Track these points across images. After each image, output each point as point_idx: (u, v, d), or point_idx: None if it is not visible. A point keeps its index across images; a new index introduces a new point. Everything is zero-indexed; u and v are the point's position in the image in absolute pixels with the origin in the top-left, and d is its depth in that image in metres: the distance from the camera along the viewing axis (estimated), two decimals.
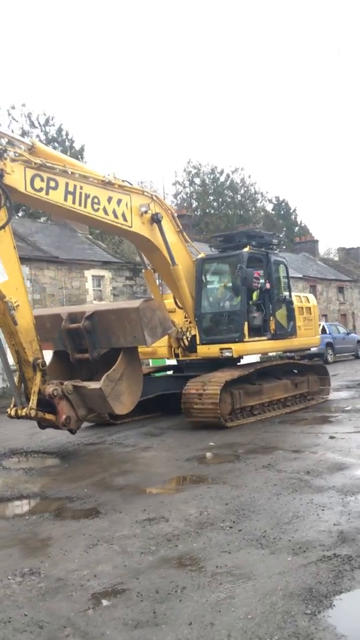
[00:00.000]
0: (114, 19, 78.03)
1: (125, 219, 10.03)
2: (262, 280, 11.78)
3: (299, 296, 14.13)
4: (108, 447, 9.67)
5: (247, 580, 4.05)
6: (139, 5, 78.12)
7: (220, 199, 52.84)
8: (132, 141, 74.79)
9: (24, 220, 28.47)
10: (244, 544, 4.75)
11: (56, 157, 9.39)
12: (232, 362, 11.57)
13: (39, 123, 42.51)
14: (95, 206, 9.46)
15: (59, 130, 43.13)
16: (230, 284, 12.42)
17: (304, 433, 9.78)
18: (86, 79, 74.10)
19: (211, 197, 52.88)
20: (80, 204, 9.19)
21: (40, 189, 8.62)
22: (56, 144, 42.65)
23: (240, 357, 11.65)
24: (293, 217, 59.56)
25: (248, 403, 11.20)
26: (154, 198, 10.79)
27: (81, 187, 9.21)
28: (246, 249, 11.75)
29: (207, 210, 51.62)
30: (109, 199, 9.70)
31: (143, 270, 12.85)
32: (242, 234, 12.80)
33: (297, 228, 58.58)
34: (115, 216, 9.83)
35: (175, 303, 11.98)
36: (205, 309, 11.91)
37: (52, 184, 8.77)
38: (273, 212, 57.94)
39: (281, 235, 56.38)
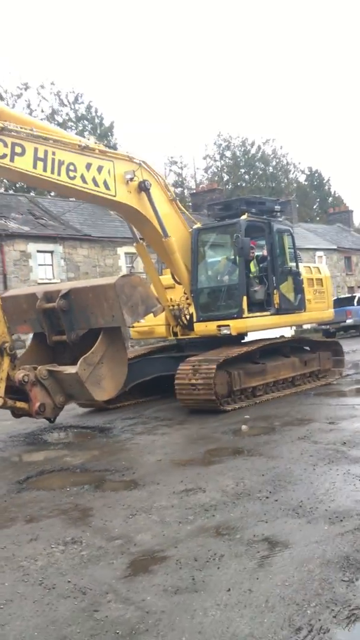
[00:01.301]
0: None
1: (107, 188, 9.22)
2: (258, 252, 11.05)
3: (309, 267, 13.22)
4: (145, 421, 9.80)
5: (284, 549, 4.10)
6: None
7: (251, 172, 52.19)
8: (162, 116, 74.13)
9: (56, 199, 28.69)
10: (281, 513, 4.80)
11: (24, 120, 8.56)
12: (234, 339, 10.80)
13: (68, 101, 42.51)
14: (71, 174, 8.65)
15: (88, 107, 43.12)
16: (228, 256, 11.47)
17: (339, 405, 9.72)
18: (114, 55, 73.50)
19: (242, 170, 52.27)
20: (52, 172, 8.40)
21: (4, 156, 7.84)
22: (86, 121, 42.66)
23: (242, 334, 10.88)
24: (326, 187, 58.49)
25: (249, 384, 10.38)
26: (142, 164, 9.91)
27: (53, 153, 8.41)
28: (244, 217, 10.81)
29: (239, 184, 51.05)
30: (88, 166, 8.87)
31: (134, 244, 11.92)
32: (241, 201, 11.78)
33: (330, 199, 57.55)
34: (96, 184, 9.04)
35: (174, 278, 11.29)
36: (202, 284, 11.11)
37: (18, 149, 8.00)
38: (306, 183, 56.99)
39: (315, 207, 55.48)
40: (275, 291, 11.09)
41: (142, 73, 76.67)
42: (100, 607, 3.53)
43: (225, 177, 52.16)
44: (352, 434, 7.35)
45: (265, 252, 11.15)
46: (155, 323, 11.51)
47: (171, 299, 11.33)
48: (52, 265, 23.48)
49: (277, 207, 11.96)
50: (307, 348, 12.66)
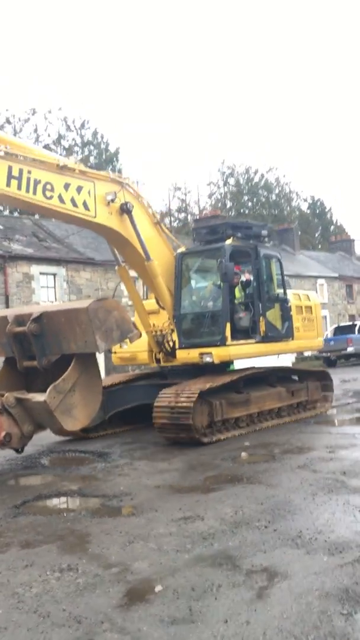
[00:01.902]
0: (146, 23, 78.49)
1: (87, 208, 8.96)
2: (243, 277, 10.72)
3: (297, 294, 12.84)
4: (144, 446, 9.74)
5: (282, 580, 4.05)
6: (169, 11, 78.37)
7: (254, 199, 52.69)
8: (167, 143, 75.10)
9: (60, 222, 28.92)
10: (280, 543, 4.75)
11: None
12: (219, 367, 10.36)
13: (74, 126, 43.10)
14: (48, 193, 8.39)
15: (94, 133, 43.69)
16: (212, 281, 11.05)
17: (340, 434, 9.67)
18: (120, 83, 74.76)
19: (245, 197, 52.75)
20: (27, 191, 8.13)
21: None
22: (92, 147, 43.19)
23: (226, 362, 10.43)
24: (328, 216, 58.97)
25: (232, 415, 9.93)
26: (125, 186, 9.63)
27: (29, 172, 8.15)
28: (229, 241, 10.48)
29: (242, 211, 51.48)
30: (66, 186, 8.62)
31: (116, 267, 11.49)
32: (227, 225, 11.31)
33: (332, 227, 57.97)
34: (74, 205, 8.77)
35: (158, 303, 10.91)
36: (185, 309, 10.70)
37: None
38: (308, 211, 57.47)
39: (316, 235, 55.85)
40: (261, 318, 10.73)
41: (147, 100, 77.95)
42: (96, 636, 3.48)
43: (229, 204, 52.65)
44: (352, 464, 7.29)
45: (248, 276, 10.83)
46: (137, 349, 11.09)
47: (154, 324, 10.94)
48: (54, 287, 23.57)
49: (265, 232, 11.59)
50: (296, 378, 12.31)
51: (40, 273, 22.98)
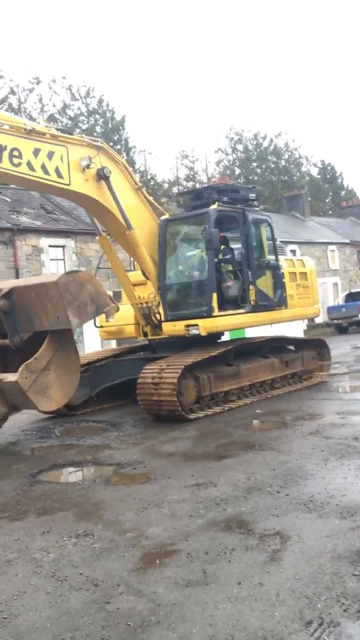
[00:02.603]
0: None
1: (60, 176, 8.36)
2: (223, 245, 10.22)
3: (291, 260, 12.31)
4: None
5: (294, 543, 4.11)
6: None
7: (263, 165, 51.95)
8: (173, 110, 73.91)
9: None
10: (292, 507, 4.81)
11: None
12: (209, 339, 10.00)
13: (79, 95, 42.46)
14: (15, 160, 7.76)
15: (100, 101, 43.09)
16: (197, 249, 10.49)
17: (351, 400, 9.70)
18: (126, 49, 73.33)
19: (254, 164, 52.04)
20: None
21: None
22: (97, 116, 42.65)
23: (214, 333, 9.94)
24: (339, 181, 58.11)
25: (221, 388, 9.61)
26: (101, 149, 9.06)
27: None
28: (214, 206, 9.86)
29: (251, 177, 50.83)
30: (36, 152, 8.02)
31: (97, 237, 10.90)
32: (212, 189, 10.71)
33: (343, 192, 57.14)
34: (46, 172, 8.17)
35: (144, 274, 10.37)
36: (170, 279, 10.16)
37: None
38: (318, 177, 56.65)
39: (327, 200, 55.13)
40: (251, 287, 10.22)
41: (153, 67, 76.51)
42: (112, 599, 3.57)
43: (237, 171, 51.99)
44: None
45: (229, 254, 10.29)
46: (124, 322, 10.81)
47: (139, 296, 10.43)
48: (63, 260, 23.56)
49: (252, 196, 11.00)
50: (292, 347, 11.92)
51: (49, 245, 22.95)
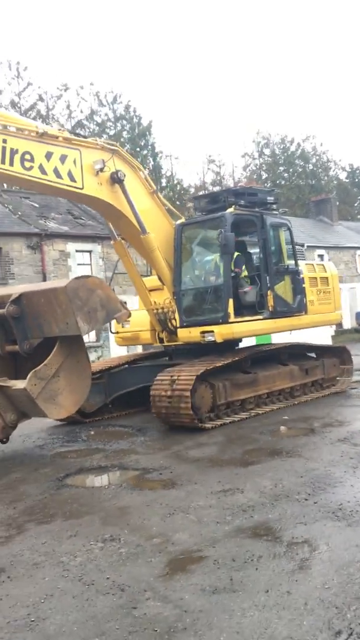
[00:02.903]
0: None
1: (72, 179, 8.24)
2: (240, 250, 9.99)
3: (312, 265, 11.98)
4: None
5: (323, 552, 4.05)
6: None
7: (291, 169, 51.61)
8: (199, 114, 74.04)
9: None
10: (320, 515, 4.75)
11: None
12: (226, 345, 9.73)
13: (107, 101, 42.81)
14: (27, 164, 7.70)
15: (127, 107, 43.33)
16: (213, 254, 10.22)
17: None
18: (153, 55, 73.76)
19: (281, 168, 51.74)
20: (3, 162, 7.46)
21: None
22: (124, 121, 42.96)
23: (230, 340, 9.61)
24: None
25: (237, 397, 9.38)
26: (115, 152, 8.91)
27: (4, 141, 7.50)
28: (230, 210, 9.64)
29: (278, 182, 50.56)
30: (48, 155, 7.92)
31: (112, 242, 10.72)
32: (229, 192, 10.49)
33: None
34: (58, 176, 8.06)
35: (160, 279, 10.15)
36: (186, 285, 9.95)
37: None
38: (347, 181, 56.10)
39: (355, 204, 54.53)
40: (269, 292, 9.96)
41: (180, 73, 76.77)
42: (139, 604, 3.56)
43: (264, 175, 51.80)
44: None
45: (237, 269, 9.90)
46: (140, 328, 10.58)
47: (154, 301, 10.25)
48: (90, 264, 23.73)
49: (271, 199, 10.71)
50: (313, 355, 11.66)
51: (76, 250, 23.13)
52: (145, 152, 43.07)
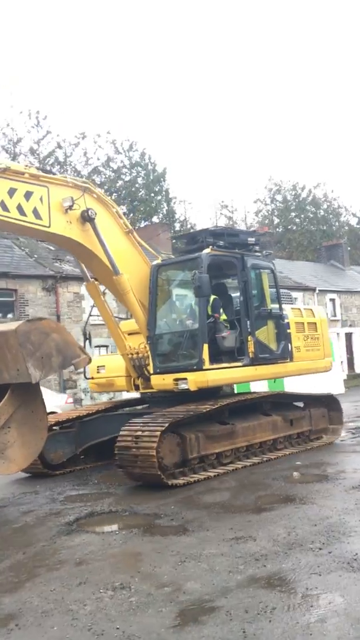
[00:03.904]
0: (189, 44, 79.67)
1: (38, 217, 7.83)
2: (218, 293, 9.50)
3: (299, 309, 11.39)
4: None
5: (338, 604, 3.95)
6: (212, 32, 79.35)
7: (302, 215, 52.22)
8: (212, 161, 75.58)
9: None
10: (335, 566, 4.64)
11: None
12: (207, 393, 9.07)
13: (123, 149, 43.85)
14: None
15: (142, 154, 44.30)
16: (189, 296, 9.70)
17: None
18: (166, 104, 75.95)
19: (293, 214, 52.36)
20: None
21: None
22: (139, 168, 43.92)
23: (205, 389, 8.84)
24: None
25: (211, 450, 8.65)
26: (87, 190, 8.57)
27: None
28: (207, 250, 9.15)
29: (289, 227, 51.12)
30: (11, 192, 7.51)
31: (84, 284, 10.23)
32: (206, 232, 9.92)
33: None
34: (22, 213, 7.62)
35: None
36: (160, 329, 9.40)
37: None
38: (358, 226, 56.58)
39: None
40: (249, 337, 9.36)
41: (193, 120, 78.78)
42: None
43: (276, 220, 52.41)
44: None
45: (216, 315, 9.38)
46: (115, 374, 10.10)
47: (129, 346, 9.72)
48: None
49: (252, 240, 10.09)
50: (301, 404, 10.90)
51: None
52: (159, 197, 43.83)
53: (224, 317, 9.64)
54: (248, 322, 9.46)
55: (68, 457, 9.81)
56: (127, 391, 10.58)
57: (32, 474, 9.62)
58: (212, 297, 9.37)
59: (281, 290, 10.79)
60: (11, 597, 4.56)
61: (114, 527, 6.54)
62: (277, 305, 10.11)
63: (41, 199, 7.87)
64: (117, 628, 3.88)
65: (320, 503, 6.57)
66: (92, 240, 8.58)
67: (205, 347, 8.74)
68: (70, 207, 8.14)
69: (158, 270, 9.59)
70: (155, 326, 9.34)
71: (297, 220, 52.23)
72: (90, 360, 8.06)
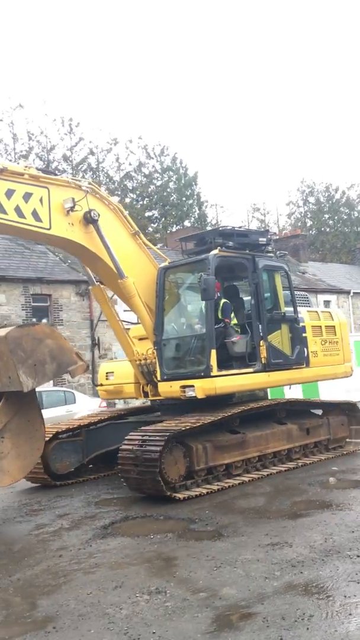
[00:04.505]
0: (221, 49, 79.69)
1: (38, 219, 7.57)
2: (218, 294, 8.99)
3: (316, 312, 10.77)
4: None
5: None
6: (243, 36, 79.24)
7: (336, 217, 51.61)
8: (244, 164, 75.36)
9: None
10: None
11: None
12: (218, 401, 8.70)
13: (154, 154, 44.09)
14: None
15: (174, 159, 44.46)
16: (197, 300, 9.18)
17: None
18: (197, 108, 76.09)
19: (326, 216, 51.80)
20: None
21: None
22: (171, 172, 44.09)
23: (212, 396, 8.38)
24: None
25: (220, 461, 8.23)
26: (89, 190, 8.28)
27: None
28: (215, 251, 8.77)
29: (322, 229, 50.58)
30: (9, 193, 7.27)
31: (90, 287, 9.94)
32: (215, 232, 9.58)
33: None
34: (21, 215, 7.38)
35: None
36: (167, 334, 9.03)
37: None
38: None
39: None
40: (261, 342, 8.94)
41: (225, 123, 78.70)
42: None
43: (309, 223, 51.94)
44: None
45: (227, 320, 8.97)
46: (124, 381, 9.79)
47: (137, 352, 9.35)
48: None
49: (263, 240, 9.60)
50: (319, 412, 10.43)
51: None
52: (190, 201, 43.90)
53: (234, 321, 9.31)
54: (260, 326, 9.04)
55: (75, 466, 9.52)
56: (136, 398, 10.31)
57: (38, 486, 9.41)
58: (222, 300, 9.14)
59: (297, 293, 10.39)
60: (48, 600, 4.61)
61: (149, 531, 6.55)
62: (291, 308, 9.66)
63: (41, 201, 7.62)
64: (154, 632, 3.88)
65: (357, 510, 6.46)
66: (95, 243, 8.29)
67: (214, 352, 8.35)
68: (71, 209, 7.87)
69: (165, 273, 9.22)
70: (162, 331, 8.99)
71: (331, 222, 51.65)
72: (87, 367, 7.74)
